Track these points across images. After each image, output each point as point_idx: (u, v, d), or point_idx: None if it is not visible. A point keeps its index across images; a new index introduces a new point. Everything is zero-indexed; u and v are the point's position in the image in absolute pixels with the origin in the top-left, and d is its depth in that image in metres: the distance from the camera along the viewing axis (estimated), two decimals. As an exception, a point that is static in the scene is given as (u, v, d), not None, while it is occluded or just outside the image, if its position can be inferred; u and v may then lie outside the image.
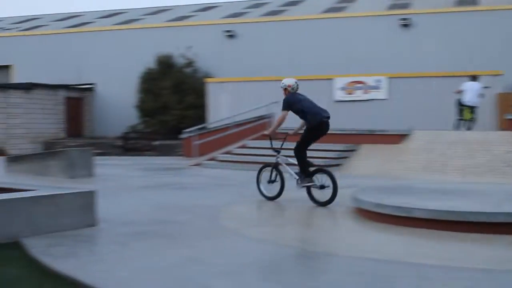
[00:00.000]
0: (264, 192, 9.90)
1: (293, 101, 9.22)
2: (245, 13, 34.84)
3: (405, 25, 27.02)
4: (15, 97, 29.47)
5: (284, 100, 9.29)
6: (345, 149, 16.55)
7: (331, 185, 8.86)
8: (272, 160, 10.01)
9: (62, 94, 32.44)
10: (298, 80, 9.63)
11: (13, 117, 29.29)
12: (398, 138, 16.71)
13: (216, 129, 20.75)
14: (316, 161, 11.02)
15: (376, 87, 22.30)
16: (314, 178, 9.16)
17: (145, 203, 9.30)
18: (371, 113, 21.65)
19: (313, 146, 9.32)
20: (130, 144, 28.34)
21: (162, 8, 41.84)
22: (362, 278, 4.85)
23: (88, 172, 13.53)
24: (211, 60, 30.76)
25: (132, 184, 12.34)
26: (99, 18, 40.27)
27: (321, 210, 8.64)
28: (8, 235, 6.17)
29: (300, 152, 9.26)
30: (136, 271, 5.08)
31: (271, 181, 9.83)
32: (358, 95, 22.53)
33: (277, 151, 9.85)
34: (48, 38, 35.99)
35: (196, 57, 30.56)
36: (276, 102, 16.71)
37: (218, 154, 17.68)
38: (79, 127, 33.82)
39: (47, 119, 31.49)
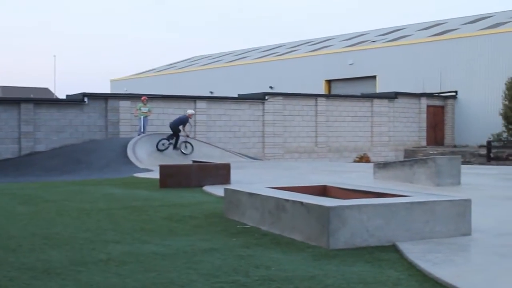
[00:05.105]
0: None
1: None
2: None
3: None
4: (380, 106, 30.75)
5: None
6: None
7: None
8: None
9: (424, 102, 32.79)
10: None
11: (377, 125, 30.59)
12: None
13: None
14: None
15: None
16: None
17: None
18: None
19: None
20: (494, 153, 27.32)
21: (530, 9, 39.38)
22: None
23: (455, 180, 13.39)
24: None
25: (499, 194, 11.84)
26: (463, 24, 39.70)
27: None
28: (385, 238, 6.44)
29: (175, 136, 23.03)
30: (519, 286, 4.84)
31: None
32: None
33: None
34: (411, 48, 36.79)
35: None
36: None
37: None
38: (439, 135, 33.80)
39: (408, 127, 32.17)
